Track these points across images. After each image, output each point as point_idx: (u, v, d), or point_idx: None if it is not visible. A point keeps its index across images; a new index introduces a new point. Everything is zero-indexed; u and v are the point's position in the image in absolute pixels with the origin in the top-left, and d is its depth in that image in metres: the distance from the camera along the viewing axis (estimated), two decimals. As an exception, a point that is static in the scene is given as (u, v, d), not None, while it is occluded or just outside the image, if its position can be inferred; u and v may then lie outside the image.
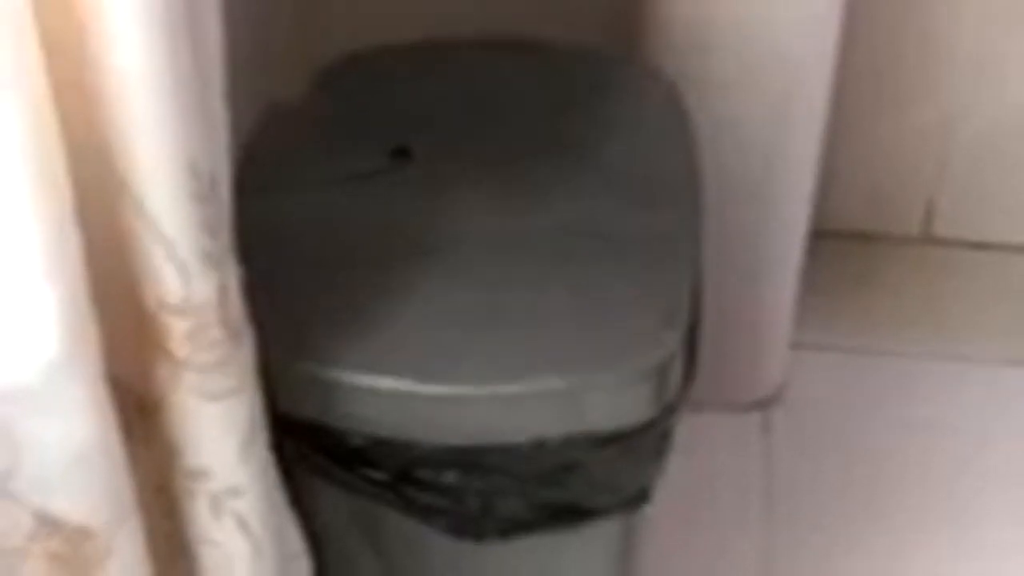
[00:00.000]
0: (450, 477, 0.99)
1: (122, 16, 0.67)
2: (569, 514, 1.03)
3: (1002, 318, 1.69)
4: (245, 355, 0.81)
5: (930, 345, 1.65)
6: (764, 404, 1.60)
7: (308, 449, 0.99)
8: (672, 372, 1.01)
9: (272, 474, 0.88)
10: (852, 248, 1.72)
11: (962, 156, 1.70)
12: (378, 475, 0.99)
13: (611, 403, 0.98)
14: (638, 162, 1.12)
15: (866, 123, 1.67)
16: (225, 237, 0.78)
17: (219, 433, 0.80)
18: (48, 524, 0.74)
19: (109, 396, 0.74)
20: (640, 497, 1.07)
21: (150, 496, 0.82)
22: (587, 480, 1.02)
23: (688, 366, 1.04)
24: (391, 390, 0.95)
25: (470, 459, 0.99)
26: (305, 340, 0.96)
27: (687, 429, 1.47)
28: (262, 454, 0.85)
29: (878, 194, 1.74)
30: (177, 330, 0.76)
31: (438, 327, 0.98)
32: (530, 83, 1.21)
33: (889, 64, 1.64)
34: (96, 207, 0.72)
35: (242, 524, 0.83)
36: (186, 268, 0.74)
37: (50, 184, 0.67)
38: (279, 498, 0.92)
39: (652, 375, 0.98)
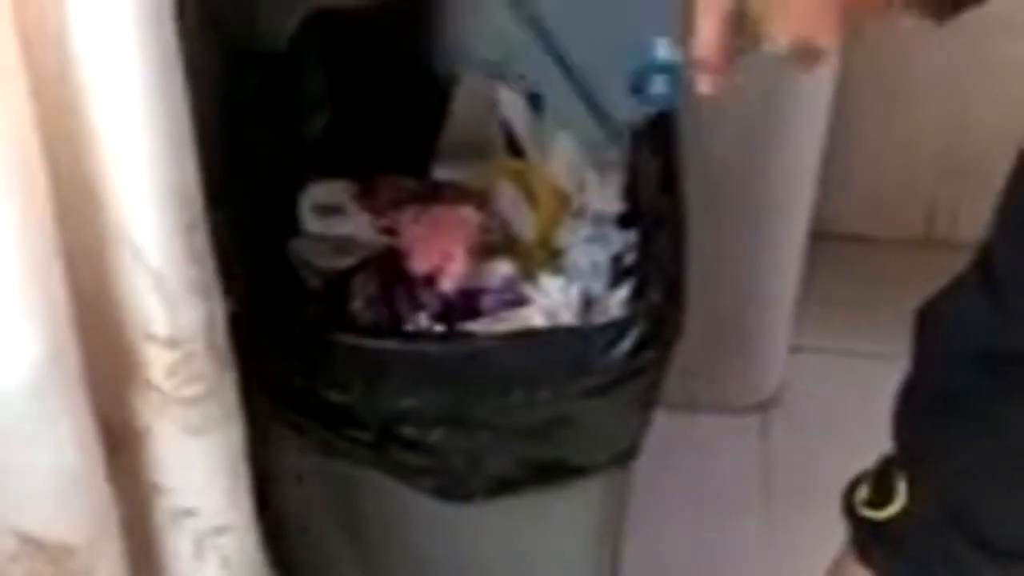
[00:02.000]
0: (436, 435, 0.99)
1: (109, 41, 0.66)
2: (558, 471, 1.04)
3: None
4: (230, 387, 0.80)
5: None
6: (763, 407, 1.60)
7: (288, 409, 0.99)
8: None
9: (252, 507, 0.87)
10: (852, 251, 1.71)
11: (963, 159, 1.70)
12: (361, 435, 0.99)
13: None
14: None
15: (867, 126, 1.66)
16: (210, 265, 0.77)
17: (204, 467, 0.79)
18: (31, 543, 0.74)
19: (91, 417, 0.74)
20: (628, 453, 1.08)
21: (127, 529, 0.81)
22: (576, 434, 1.02)
23: (675, 315, 1.03)
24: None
25: (457, 415, 0.98)
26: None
27: (685, 430, 1.47)
28: (245, 487, 0.83)
29: (879, 197, 1.73)
30: (162, 362, 0.75)
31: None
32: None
33: (890, 67, 1.63)
34: (79, 237, 0.71)
35: (225, 563, 0.82)
36: (173, 299, 0.73)
37: (32, 209, 0.66)
38: (258, 533, 0.91)
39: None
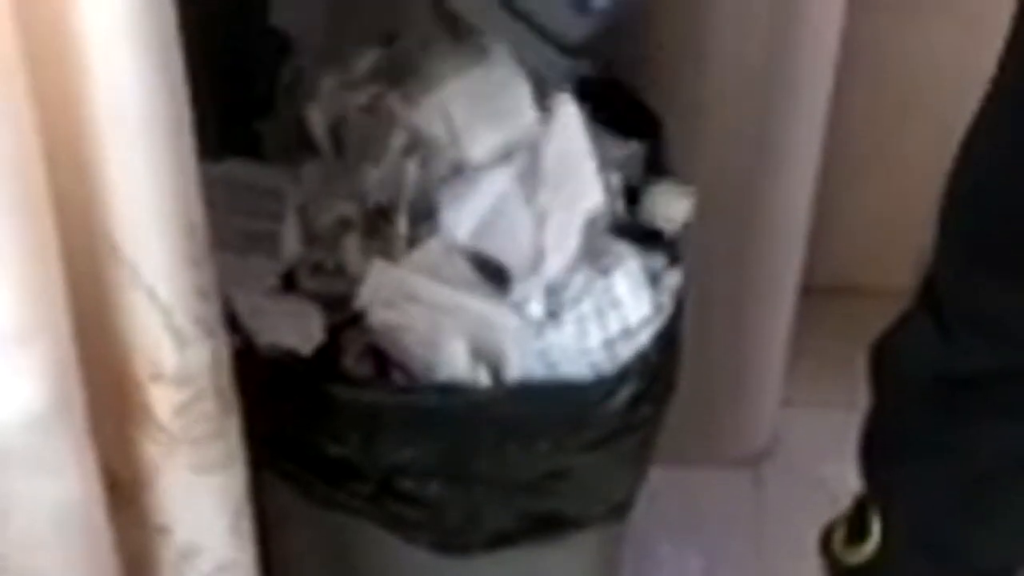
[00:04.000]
0: (433, 488, 0.99)
1: (118, 66, 0.66)
2: (554, 524, 1.04)
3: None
4: (236, 426, 0.80)
5: (920, 400, 1.64)
6: (755, 459, 1.60)
7: (284, 459, 0.99)
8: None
9: (255, 546, 0.87)
10: (842, 303, 1.71)
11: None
12: (358, 487, 0.99)
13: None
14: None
15: (856, 178, 1.68)
16: (216, 301, 0.77)
17: (211, 506, 0.79)
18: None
19: (94, 457, 0.74)
20: (624, 506, 1.08)
21: (132, 571, 0.81)
22: (573, 487, 1.02)
23: (670, 371, 1.04)
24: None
25: (454, 468, 0.99)
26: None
27: (677, 484, 1.47)
28: (249, 527, 0.83)
29: (868, 250, 1.74)
30: (170, 402, 0.75)
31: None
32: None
33: (878, 118, 1.65)
34: (84, 274, 0.71)
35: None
36: (182, 336, 0.73)
37: (37, 242, 0.66)
38: (261, 572, 0.90)
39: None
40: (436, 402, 0.99)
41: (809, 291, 1.55)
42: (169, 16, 0.67)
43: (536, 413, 0.98)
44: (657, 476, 1.13)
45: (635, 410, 0.99)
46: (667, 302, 1.02)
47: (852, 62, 1.40)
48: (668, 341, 1.01)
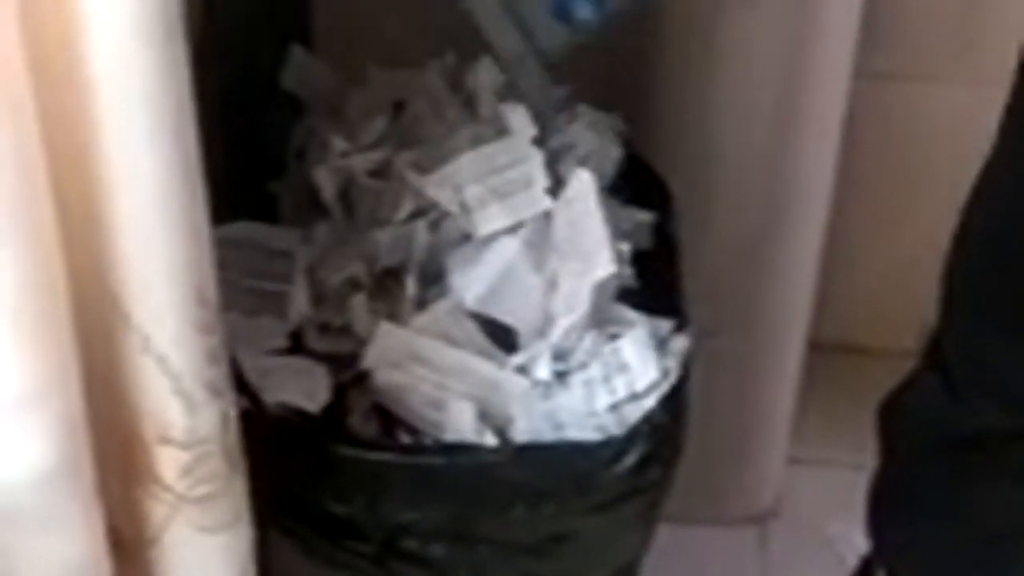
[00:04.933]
0: (438, 549, 0.99)
1: (132, 128, 0.67)
2: None
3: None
4: (241, 485, 0.81)
5: (926, 460, 1.64)
6: (761, 518, 1.60)
7: (287, 518, 0.99)
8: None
9: None
10: (848, 363, 1.72)
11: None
12: (362, 547, 0.99)
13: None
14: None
15: (863, 239, 1.68)
16: (225, 364, 0.78)
17: (216, 566, 0.80)
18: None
19: (101, 517, 0.74)
20: (630, 568, 1.08)
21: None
22: (578, 550, 1.02)
23: (677, 434, 1.04)
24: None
25: (459, 529, 0.99)
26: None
27: (683, 542, 1.47)
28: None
29: (874, 309, 1.74)
30: (177, 463, 0.75)
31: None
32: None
33: (885, 182, 1.65)
34: (94, 337, 0.72)
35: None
36: (192, 400, 0.74)
37: (49, 305, 0.66)
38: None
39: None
40: (442, 463, 0.99)
41: (816, 349, 1.56)
42: (184, 79, 0.68)
43: (542, 475, 0.98)
44: (662, 534, 1.13)
45: (642, 473, 0.99)
46: (674, 366, 1.02)
47: (859, 126, 1.41)
48: (675, 404, 1.02)
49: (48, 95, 0.64)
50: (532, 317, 1.02)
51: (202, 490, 0.77)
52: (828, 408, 1.66)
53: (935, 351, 1.13)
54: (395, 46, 1.28)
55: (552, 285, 1.02)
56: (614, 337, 1.01)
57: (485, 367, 1.00)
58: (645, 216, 1.14)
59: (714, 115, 1.31)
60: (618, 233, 1.06)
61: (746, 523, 1.59)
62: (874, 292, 1.74)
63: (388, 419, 1.03)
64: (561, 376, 1.01)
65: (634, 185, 1.16)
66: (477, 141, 1.07)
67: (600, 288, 1.01)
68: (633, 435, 0.99)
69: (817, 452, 1.65)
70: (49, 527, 0.71)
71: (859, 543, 1.53)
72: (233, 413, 0.79)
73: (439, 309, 1.03)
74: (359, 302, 1.05)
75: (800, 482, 1.61)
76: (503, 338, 1.04)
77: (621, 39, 1.16)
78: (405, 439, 1.02)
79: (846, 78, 1.33)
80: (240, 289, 1.04)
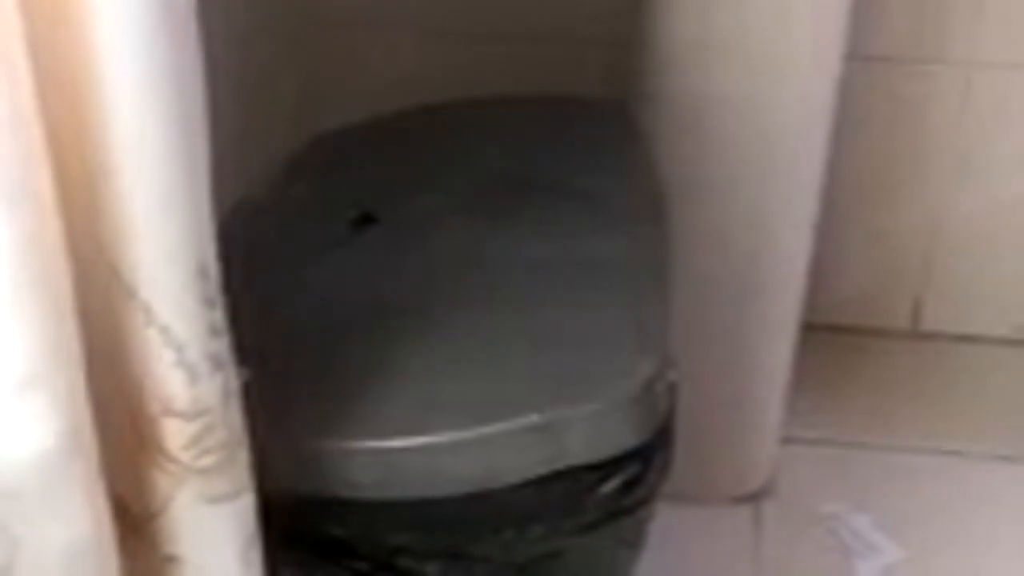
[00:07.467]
0: (433, 568, 1.00)
1: (133, 113, 0.67)
2: None
3: (990, 411, 1.70)
4: (245, 456, 0.81)
5: (919, 439, 1.66)
6: (754, 497, 1.60)
7: (287, 540, 0.99)
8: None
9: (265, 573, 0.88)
10: (841, 342, 1.73)
11: (948, 252, 1.73)
12: (357, 565, 0.99)
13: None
14: (603, 193, 1.15)
15: (855, 219, 1.69)
16: (227, 337, 0.78)
17: (221, 537, 0.80)
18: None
19: (104, 493, 0.75)
20: None
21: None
22: (567, 569, 1.02)
23: (665, 455, 1.05)
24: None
25: (454, 548, 0.99)
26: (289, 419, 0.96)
27: (677, 522, 1.48)
28: (259, 557, 0.84)
29: (866, 289, 1.75)
30: (182, 435, 0.76)
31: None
32: (485, 135, 1.24)
33: (877, 161, 1.67)
34: (95, 312, 0.72)
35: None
36: (195, 371, 0.75)
37: (51, 282, 0.67)
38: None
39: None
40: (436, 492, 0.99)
41: (809, 329, 1.57)
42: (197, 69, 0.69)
43: (531, 498, 0.99)
44: (656, 513, 1.14)
45: (630, 494, 0.99)
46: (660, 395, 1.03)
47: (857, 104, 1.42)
48: (663, 428, 1.02)
49: (46, 57, 0.64)
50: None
51: (207, 461, 0.78)
52: (822, 388, 1.67)
53: None
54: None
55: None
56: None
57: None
58: None
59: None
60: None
61: (740, 502, 1.60)
62: (866, 273, 1.75)
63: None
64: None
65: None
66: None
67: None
68: (620, 458, 0.99)
69: (811, 431, 1.66)
70: (53, 506, 0.72)
71: (852, 521, 1.54)
72: (235, 384, 0.80)
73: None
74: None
75: (794, 461, 1.62)
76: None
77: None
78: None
79: (838, 60, 1.34)
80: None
